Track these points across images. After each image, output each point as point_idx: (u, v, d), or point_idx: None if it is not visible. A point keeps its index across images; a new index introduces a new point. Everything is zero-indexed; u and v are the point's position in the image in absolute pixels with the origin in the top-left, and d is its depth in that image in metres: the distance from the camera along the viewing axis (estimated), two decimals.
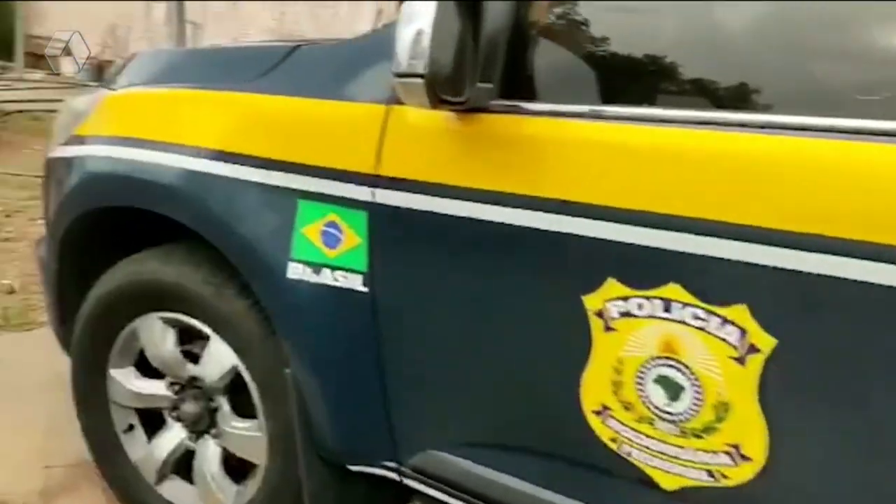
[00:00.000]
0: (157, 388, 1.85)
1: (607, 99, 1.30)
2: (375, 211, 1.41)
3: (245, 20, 8.22)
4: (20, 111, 7.15)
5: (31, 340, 2.91)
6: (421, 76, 1.18)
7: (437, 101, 1.22)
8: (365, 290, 1.45)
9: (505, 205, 1.28)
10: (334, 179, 1.45)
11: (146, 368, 1.86)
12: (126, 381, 1.87)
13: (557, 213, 1.23)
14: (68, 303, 1.97)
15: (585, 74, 1.36)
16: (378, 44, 1.48)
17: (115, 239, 1.88)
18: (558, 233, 1.23)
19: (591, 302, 1.21)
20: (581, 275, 1.22)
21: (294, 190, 1.50)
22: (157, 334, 1.79)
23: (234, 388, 1.72)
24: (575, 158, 1.24)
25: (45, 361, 2.47)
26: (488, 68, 1.28)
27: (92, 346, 1.88)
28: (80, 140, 1.90)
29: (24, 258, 3.71)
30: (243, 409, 1.72)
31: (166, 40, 8.21)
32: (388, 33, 1.53)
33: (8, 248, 3.99)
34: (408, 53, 1.18)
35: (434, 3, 1.17)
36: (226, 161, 1.59)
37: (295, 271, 1.50)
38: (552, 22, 1.38)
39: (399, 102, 1.38)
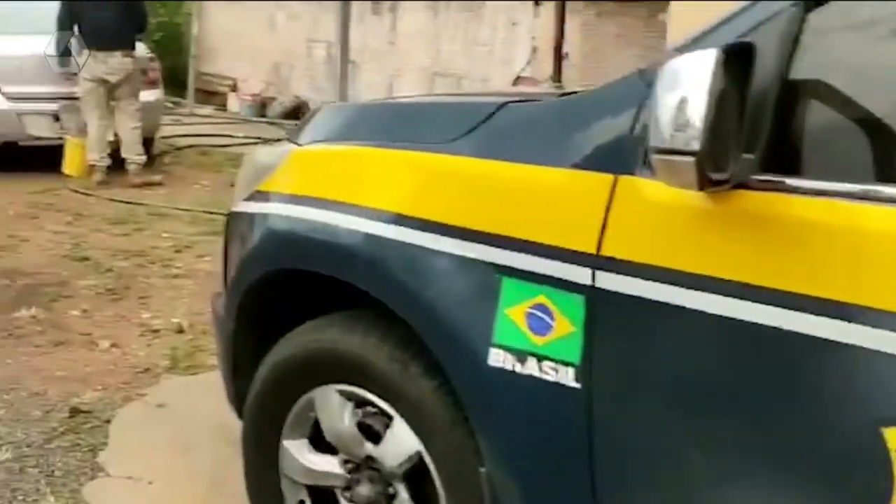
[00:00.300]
0: (331, 464, 1.71)
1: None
2: (595, 296, 1.23)
3: (401, 58, 8.32)
4: (191, 146, 7.52)
5: (199, 385, 2.88)
6: (690, 153, 0.97)
7: (707, 183, 1.01)
8: (577, 385, 1.26)
9: (768, 303, 1.05)
10: (546, 257, 1.28)
11: (320, 442, 1.74)
12: (299, 454, 1.75)
13: (844, 320, 0.99)
14: (243, 365, 1.89)
15: (858, 142, 1.12)
16: (600, 103, 1.31)
17: (298, 302, 1.78)
18: (846, 345, 0.99)
19: None
20: (881, 402, 0.98)
21: (497, 265, 1.35)
22: (334, 408, 1.66)
23: (415, 474, 1.56)
24: (866, 253, 1.00)
25: (214, 409, 2.41)
26: (752, 136, 1.06)
27: (265, 413, 1.78)
28: (263, 196, 1.82)
29: (193, 295, 3.76)
30: (424, 499, 1.56)
31: (325, 78, 8.47)
32: (610, 92, 1.35)
33: (177, 284, 4.05)
34: (671, 125, 0.98)
35: (710, 65, 0.96)
36: (417, 228, 1.46)
37: (496, 358, 1.33)
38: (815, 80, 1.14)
39: (629, 172, 1.19)
